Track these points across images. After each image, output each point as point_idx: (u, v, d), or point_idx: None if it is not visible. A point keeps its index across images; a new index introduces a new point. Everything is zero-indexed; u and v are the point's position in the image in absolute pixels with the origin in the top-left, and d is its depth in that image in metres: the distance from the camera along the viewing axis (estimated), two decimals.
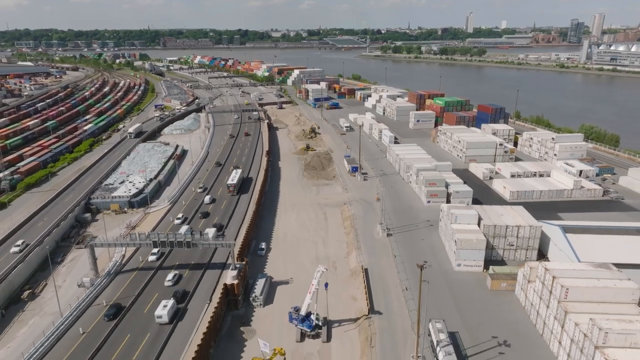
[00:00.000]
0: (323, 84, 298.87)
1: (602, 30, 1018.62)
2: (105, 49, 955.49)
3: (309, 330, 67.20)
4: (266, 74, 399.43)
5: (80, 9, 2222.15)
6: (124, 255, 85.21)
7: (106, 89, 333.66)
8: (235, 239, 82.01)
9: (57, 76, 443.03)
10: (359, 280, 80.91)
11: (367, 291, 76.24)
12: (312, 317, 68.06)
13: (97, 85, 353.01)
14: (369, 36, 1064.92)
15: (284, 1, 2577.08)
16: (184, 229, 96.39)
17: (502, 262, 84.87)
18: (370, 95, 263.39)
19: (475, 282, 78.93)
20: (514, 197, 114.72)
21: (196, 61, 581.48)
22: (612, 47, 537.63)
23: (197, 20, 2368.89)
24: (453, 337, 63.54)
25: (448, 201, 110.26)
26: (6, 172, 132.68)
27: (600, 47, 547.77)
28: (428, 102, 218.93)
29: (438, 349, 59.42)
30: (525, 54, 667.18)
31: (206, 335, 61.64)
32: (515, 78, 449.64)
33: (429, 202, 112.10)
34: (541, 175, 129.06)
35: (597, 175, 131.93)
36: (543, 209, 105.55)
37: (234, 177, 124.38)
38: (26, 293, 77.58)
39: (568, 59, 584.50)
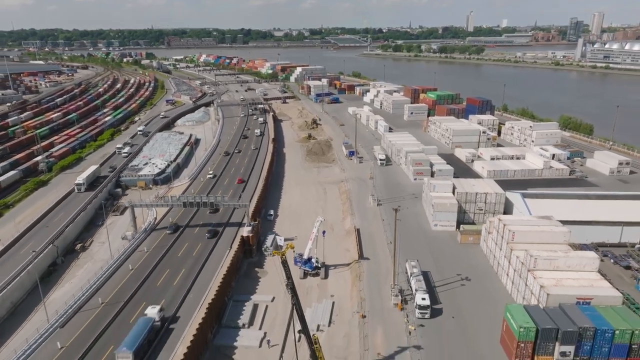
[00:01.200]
0: (324, 81, 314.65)
1: (602, 28, 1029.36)
2: (110, 49, 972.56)
3: (310, 270, 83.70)
4: (270, 71, 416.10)
5: (84, 8, 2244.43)
6: (155, 218, 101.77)
7: (118, 85, 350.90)
8: (249, 202, 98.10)
9: (69, 74, 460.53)
10: (352, 237, 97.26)
11: (358, 244, 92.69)
12: (313, 260, 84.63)
13: (109, 83, 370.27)
14: (370, 35, 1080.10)
15: (286, 0, 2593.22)
16: None
17: (472, 224, 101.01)
18: (368, 91, 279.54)
19: (448, 238, 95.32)
20: (491, 176, 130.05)
21: (201, 60, 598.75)
22: (607, 46, 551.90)
23: (198, 20, 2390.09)
24: (425, 274, 79.72)
25: None
26: (43, 156, 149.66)
27: (595, 46, 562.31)
28: (422, 96, 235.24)
29: (411, 279, 75.83)
30: (523, 52, 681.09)
31: (229, 271, 78.10)
32: (511, 75, 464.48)
33: (415, 179, 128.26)
34: (518, 158, 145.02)
35: (568, 158, 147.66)
36: (516, 185, 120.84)
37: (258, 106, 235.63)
38: (78, 246, 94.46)
39: (564, 57, 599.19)
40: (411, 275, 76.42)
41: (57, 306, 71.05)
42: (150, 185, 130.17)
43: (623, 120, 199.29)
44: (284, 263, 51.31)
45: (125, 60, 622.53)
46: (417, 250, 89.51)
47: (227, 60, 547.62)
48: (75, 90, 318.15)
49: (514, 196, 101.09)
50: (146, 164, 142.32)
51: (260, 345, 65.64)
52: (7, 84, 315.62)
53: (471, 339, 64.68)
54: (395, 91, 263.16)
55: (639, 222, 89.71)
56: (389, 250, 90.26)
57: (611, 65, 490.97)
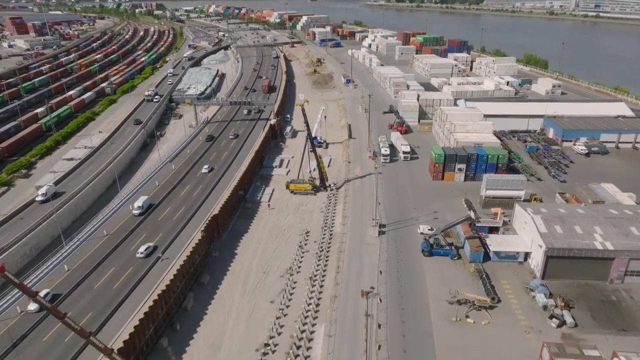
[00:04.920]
0: (328, 28, 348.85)
1: None
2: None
3: (316, 143, 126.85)
4: (278, 20, 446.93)
5: None
6: (207, 116, 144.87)
7: (141, 33, 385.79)
8: (274, 103, 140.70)
9: (90, 24, 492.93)
10: (345, 129, 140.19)
11: (348, 130, 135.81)
12: (318, 137, 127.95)
13: (131, 31, 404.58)
14: None
15: None
16: None
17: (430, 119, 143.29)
18: (367, 36, 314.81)
19: (412, 128, 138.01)
20: (454, 95, 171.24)
21: (211, 10, 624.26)
22: None
23: None
24: (391, 145, 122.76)
25: None
26: (107, 82, 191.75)
27: None
28: (412, 39, 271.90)
29: (380, 143, 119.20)
30: (522, 2, 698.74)
31: (263, 142, 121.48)
32: (505, 24, 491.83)
33: (395, 97, 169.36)
34: (478, 84, 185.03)
35: (520, 84, 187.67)
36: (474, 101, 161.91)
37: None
38: (158, 133, 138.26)
39: (560, 6, 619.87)
40: (380, 142, 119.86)
41: (155, 162, 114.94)
42: (195, 103, 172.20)
43: (582, 58, 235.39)
44: (303, 110, 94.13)
45: (137, 10, 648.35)
46: (388, 135, 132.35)
47: (236, 11, 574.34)
48: (104, 38, 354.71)
49: (460, 102, 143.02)
50: (189, 87, 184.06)
51: (287, 174, 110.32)
52: (44, 31, 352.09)
53: (411, 170, 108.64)
54: (390, 36, 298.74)
55: (538, 115, 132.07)
56: (368, 134, 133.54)
57: (601, 14, 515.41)
